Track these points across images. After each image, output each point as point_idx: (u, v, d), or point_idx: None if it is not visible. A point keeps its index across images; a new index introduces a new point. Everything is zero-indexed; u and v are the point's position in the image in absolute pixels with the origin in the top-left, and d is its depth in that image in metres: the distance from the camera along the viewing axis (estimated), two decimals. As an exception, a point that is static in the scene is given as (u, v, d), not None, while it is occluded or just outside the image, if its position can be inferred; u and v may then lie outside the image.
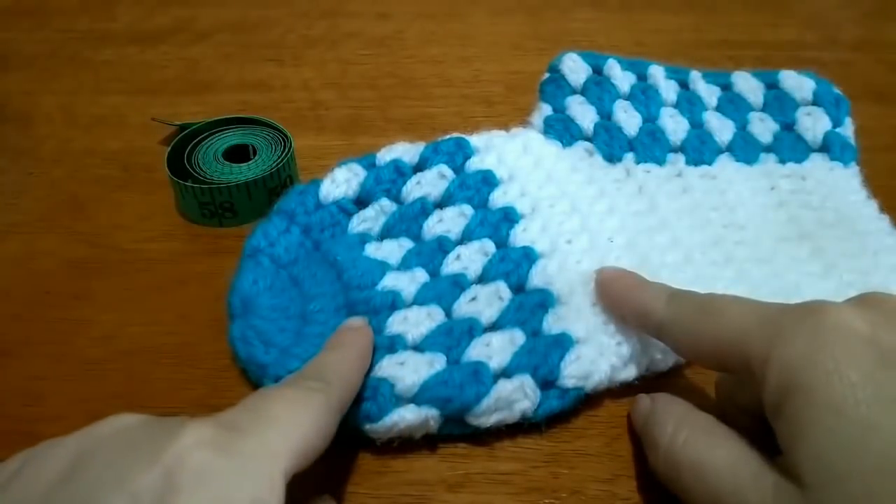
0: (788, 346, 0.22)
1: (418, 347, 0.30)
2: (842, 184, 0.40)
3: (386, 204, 0.36)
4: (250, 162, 0.40)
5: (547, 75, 0.42)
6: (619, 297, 0.31)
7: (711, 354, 0.26)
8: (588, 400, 0.31)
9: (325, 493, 0.27)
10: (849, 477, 0.20)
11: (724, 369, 0.27)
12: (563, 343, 0.30)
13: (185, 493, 0.19)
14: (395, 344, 0.30)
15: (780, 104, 0.42)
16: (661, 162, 0.40)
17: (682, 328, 0.27)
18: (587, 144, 0.40)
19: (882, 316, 0.23)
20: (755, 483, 0.22)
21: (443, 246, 0.34)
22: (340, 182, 0.36)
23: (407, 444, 0.29)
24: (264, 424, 0.22)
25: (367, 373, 0.29)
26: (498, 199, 0.36)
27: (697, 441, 0.25)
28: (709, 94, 0.43)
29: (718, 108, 0.42)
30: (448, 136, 0.38)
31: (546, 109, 0.40)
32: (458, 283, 0.33)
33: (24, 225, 0.40)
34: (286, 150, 0.40)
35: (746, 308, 0.25)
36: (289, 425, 0.23)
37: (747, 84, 0.43)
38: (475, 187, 0.36)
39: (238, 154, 0.41)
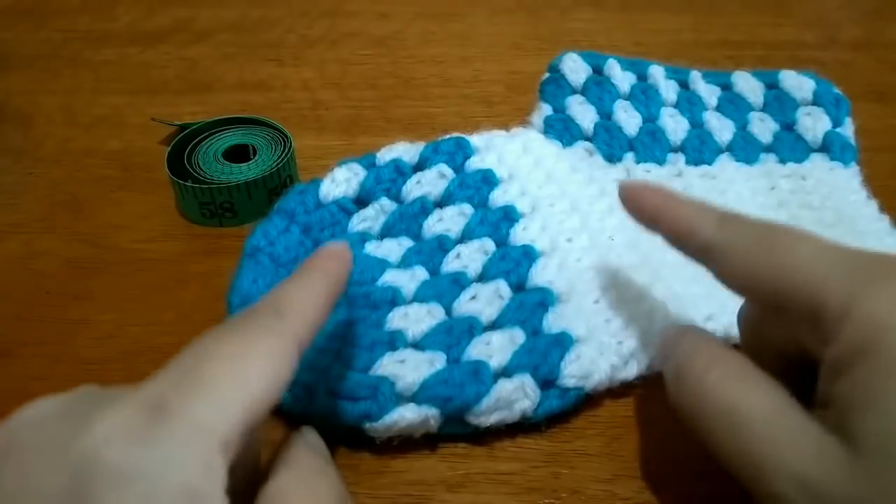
0: (875, 301, 0.20)
1: (418, 345, 0.30)
2: (842, 184, 0.40)
3: (386, 203, 0.36)
4: (250, 162, 0.40)
5: (547, 75, 0.42)
6: (655, 209, 0.27)
7: (772, 293, 0.23)
8: (588, 400, 0.31)
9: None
10: None
11: (782, 310, 0.23)
12: (563, 342, 0.30)
13: (101, 497, 0.17)
14: (395, 340, 0.30)
15: (780, 104, 0.42)
16: (661, 162, 0.40)
17: (739, 258, 0.24)
18: (587, 144, 0.40)
19: None
20: (795, 437, 0.20)
21: (443, 245, 0.34)
22: (340, 181, 0.36)
23: (407, 443, 0.29)
24: (194, 393, 0.19)
25: (366, 370, 0.29)
26: (498, 198, 0.36)
27: (731, 382, 0.22)
28: (709, 94, 0.43)
29: (718, 108, 0.42)
30: (448, 136, 0.38)
31: (546, 109, 0.40)
32: (458, 282, 0.33)
33: (24, 225, 0.40)
34: (286, 150, 0.40)
35: (821, 248, 0.22)
36: (227, 387, 0.19)
37: (747, 84, 0.43)
38: (475, 186, 0.36)
39: (238, 154, 0.41)
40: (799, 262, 0.22)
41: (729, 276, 0.25)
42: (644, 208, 0.28)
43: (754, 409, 0.21)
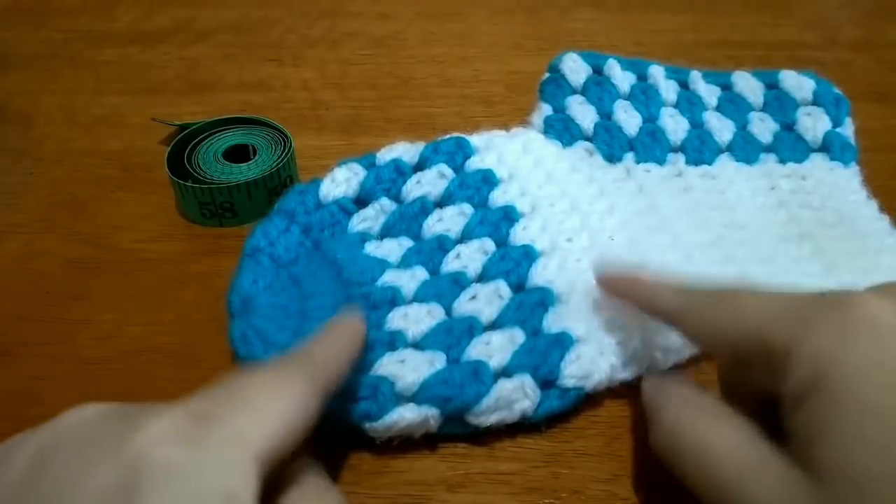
0: (815, 338, 0.21)
1: (418, 345, 0.30)
2: (842, 184, 0.40)
3: (386, 203, 0.36)
4: (250, 162, 0.40)
5: (547, 75, 0.42)
6: (625, 290, 0.30)
7: (729, 345, 0.25)
8: (588, 400, 0.31)
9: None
10: (875, 477, 0.19)
11: (742, 360, 0.25)
12: (563, 342, 0.30)
13: (150, 492, 0.18)
14: (394, 340, 0.30)
15: (780, 104, 0.42)
16: (661, 162, 0.40)
17: (696, 320, 0.26)
18: (587, 144, 0.40)
19: None
20: (760, 470, 0.22)
21: (443, 245, 0.34)
22: (340, 181, 0.36)
23: (407, 443, 0.29)
24: (236, 408, 0.21)
25: (366, 370, 0.29)
26: (498, 198, 0.36)
27: (701, 422, 0.24)
28: (709, 94, 0.43)
29: (718, 108, 0.42)
30: (448, 136, 0.38)
31: (546, 109, 0.40)
32: (458, 282, 0.33)
33: (24, 225, 0.40)
34: (286, 150, 0.40)
35: (766, 299, 0.24)
36: (264, 408, 0.21)
37: (747, 84, 0.43)
38: (475, 186, 0.36)
39: (238, 154, 0.41)
40: (747, 314, 0.24)
41: (691, 336, 0.28)
42: (616, 290, 0.31)
43: (722, 446, 0.23)
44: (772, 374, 0.23)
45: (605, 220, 0.36)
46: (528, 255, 0.34)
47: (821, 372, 0.21)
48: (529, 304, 0.32)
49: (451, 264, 0.34)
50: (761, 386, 0.24)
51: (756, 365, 0.24)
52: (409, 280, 0.33)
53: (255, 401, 0.21)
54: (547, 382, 0.30)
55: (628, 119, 0.40)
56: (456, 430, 0.29)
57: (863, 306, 0.22)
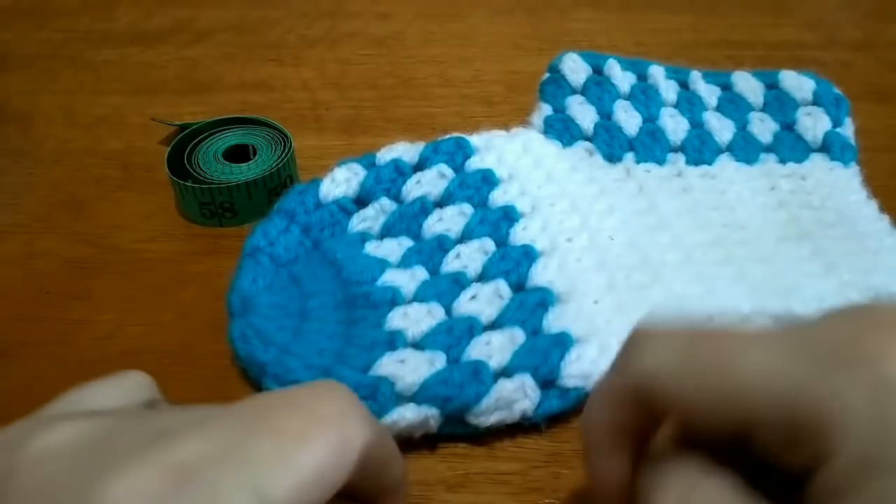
0: (853, 412, 0.17)
1: (418, 345, 0.30)
2: (842, 184, 0.40)
3: (386, 203, 0.36)
4: (250, 162, 0.40)
5: (547, 75, 0.42)
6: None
7: (723, 412, 0.19)
8: (588, 400, 0.31)
9: None
10: None
11: (742, 429, 0.19)
12: (563, 342, 0.30)
13: None
14: (394, 340, 0.30)
15: (780, 104, 0.42)
16: (661, 162, 0.40)
17: (677, 380, 0.20)
18: (587, 144, 0.40)
19: None
20: None
21: (442, 245, 0.34)
22: (340, 181, 0.36)
23: (407, 443, 0.29)
24: (235, 472, 0.16)
25: (366, 370, 0.29)
26: (498, 198, 0.36)
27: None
28: (709, 94, 0.43)
29: (718, 108, 0.42)
30: (448, 136, 0.38)
31: (546, 109, 0.40)
32: (458, 282, 0.33)
33: (24, 225, 0.40)
34: (286, 150, 0.40)
35: (763, 353, 0.19)
36: (276, 470, 0.16)
37: (747, 84, 0.43)
38: (475, 186, 0.36)
39: (238, 154, 0.41)
40: (748, 373, 0.19)
41: (673, 404, 0.20)
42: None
43: None
44: (794, 451, 0.18)
45: (605, 219, 0.36)
46: (528, 254, 0.34)
47: (875, 452, 0.17)
48: (529, 304, 0.32)
49: (451, 264, 0.34)
50: (757, 455, 0.19)
51: (770, 433, 0.19)
52: (409, 280, 0.33)
53: (263, 459, 0.16)
54: (547, 382, 0.30)
55: (628, 119, 0.40)
56: (456, 431, 0.29)
57: (889, 362, 0.18)
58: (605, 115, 0.40)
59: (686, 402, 0.20)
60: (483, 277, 0.33)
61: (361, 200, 0.36)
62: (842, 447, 0.17)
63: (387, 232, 0.35)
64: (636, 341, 0.21)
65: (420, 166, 0.37)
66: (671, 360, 0.20)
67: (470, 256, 0.34)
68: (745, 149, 0.41)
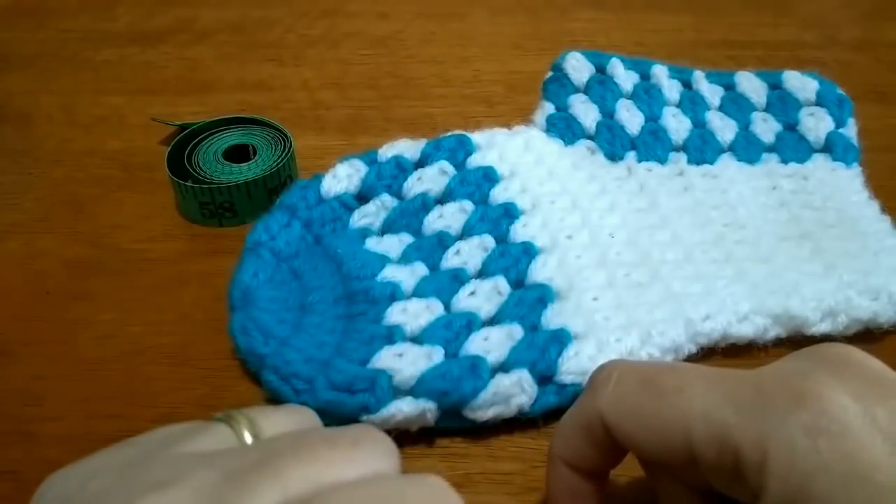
0: (787, 448, 0.19)
1: (417, 339, 0.30)
2: (844, 184, 0.39)
3: (387, 199, 0.36)
4: (250, 162, 0.40)
5: (550, 74, 0.42)
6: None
7: (667, 450, 0.21)
8: (589, 399, 0.31)
9: None
10: None
11: (689, 463, 0.21)
12: (561, 338, 0.30)
13: None
14: (393, 334, 0.30)
15: (783, 104, 0.42)
16: (662, 161, 0.40)
17: (627, 416, 0.22)
18: (589, 143, 0.40)
19: (865, 385, 0.20)
20: None
21: (443, 241, 0.34)
22: (342, 177, 0.36)
23: (406, 443, 0.29)
24: None
25: (364, 363, 0.29)
26: (498, 195, 0.36)
27: None
28: (712, 93, 0.43)
29: (721, 108, 0.42)
30: (449, 133, 0.38)
31: (548, 108, 0.41)
32: (458, 278, 0.33)
33: (24, 225, 0.40)
34: (286, 150, 0.40)
35: (705, 389, 0.21)
36: None
37: (750, 84, 0.43)
38: (476, 183, 0.36)
39: (238, 154, 0.41)
40: (687, 405, 0.21)
41: (623, 435, 0.22)
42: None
43: None
44: (740, 479, 0.20)
45: (606, 217, 0.36)
46: (528, 251, 0.34)
47: (806, 485, 0.18)
48: (528, 300, 0.32)
49: (450, 260, 0.34)
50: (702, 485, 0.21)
51: (710, 466, 0.20)
52: (409, 275, 0.33)
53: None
54: (544, 378, 0.30)
55: (630, 118, 0.40)
56: (453, 425, 0.29)
57: (827, 402, 0.19)
58: (608, 114, 0.40)
59: (633, 438, 0.22)
60: (483, 274, 0.33)
61: (363, 196, 0.36)
62: (771, 482, 0.19)
63: (387, 228, 0.35)
64: (598, 379, 0.23)
65: (421, 163, 0.37)
66: (623, 399, 0.22)
67: (470, 253, 0.34)
68: (748, 148, 0.41)
